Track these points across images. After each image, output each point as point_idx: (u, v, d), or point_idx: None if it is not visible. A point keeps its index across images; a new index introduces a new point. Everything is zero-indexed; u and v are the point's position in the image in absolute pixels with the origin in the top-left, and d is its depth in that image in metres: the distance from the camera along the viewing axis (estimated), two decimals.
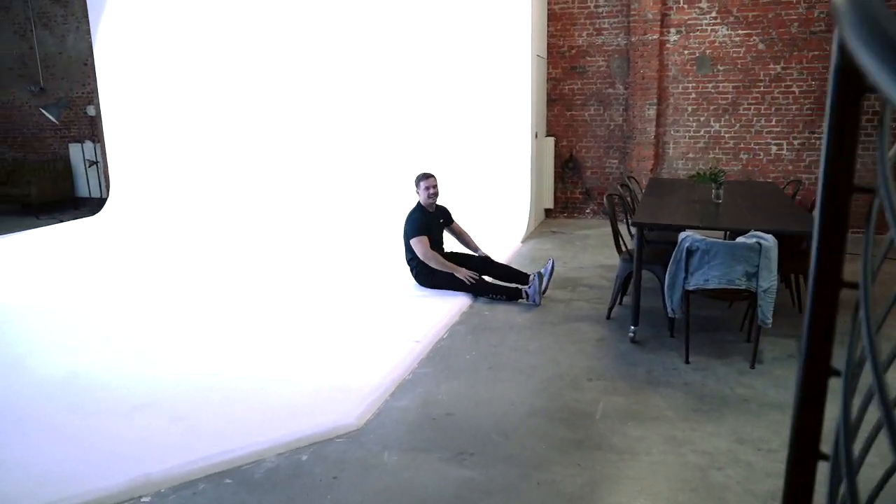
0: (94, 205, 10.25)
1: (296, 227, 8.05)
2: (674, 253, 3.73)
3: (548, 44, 8.18)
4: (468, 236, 5.46)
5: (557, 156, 8.42)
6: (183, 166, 9.20)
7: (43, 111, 9.28)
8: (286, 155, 8.66)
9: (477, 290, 5.01)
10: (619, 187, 5.14)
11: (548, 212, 8.62)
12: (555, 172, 8.45)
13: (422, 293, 5.16)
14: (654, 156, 8.00)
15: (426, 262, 5.06)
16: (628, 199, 5.31)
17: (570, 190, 8.53)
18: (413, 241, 5.09)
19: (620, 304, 4.72)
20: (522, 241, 7.13)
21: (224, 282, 5.72)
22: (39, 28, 10.56)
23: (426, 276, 5.20)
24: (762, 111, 7.63)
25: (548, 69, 8.25)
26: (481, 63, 7.49)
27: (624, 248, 4.59)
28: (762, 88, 7.57)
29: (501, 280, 5.13)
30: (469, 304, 4.92)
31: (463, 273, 5.02)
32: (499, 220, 7.44)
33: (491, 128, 7.58)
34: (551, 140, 8.30)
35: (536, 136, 7.69)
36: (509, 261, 6.29)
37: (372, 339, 4.20)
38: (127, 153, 9.47)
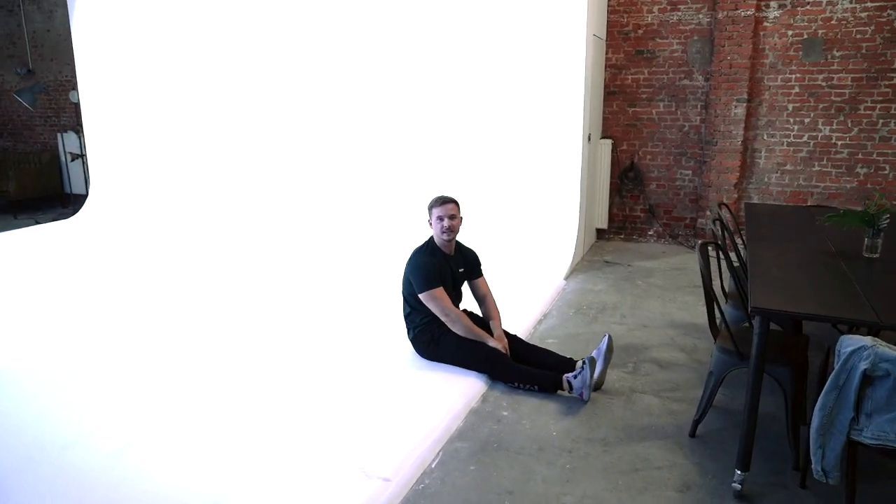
0: (81, 202, 9.04)
1: (283, 249, 6.60)
2: (834, 374, 2.08)
3: (608, 21, 6.48)
4: (492, 303, 3.80)
5: (615, 163, 6.73)
6: (172, 165, 7.85)
7: (16, 96, 8.08)
8: (284, 157, 7.21)
9: (501, 372, 3.43)
10: (712, 224, 3.47)
11: (600, 233, 6.95)
12: (611, 184, 6.76)
13: (417, 369, 3.62)
14: (740, 167, 6.24)
15: (448, 324, 3.54)
16: (724, 235, 3.63)
17: (629, 206, 6.84)
18: (424, 296, 3.54)
19: (711, 404, 3.06)
20: (566, 278, 5.49)
21: (186, 340, 4.30)
22: (27, 2, 9.37)
23: (428, 344, 3.65)
24: (893, 111, 5.78)
25: (607, 54, 6.56)
26: (522, 44, 5.86)
27: (723, 328, 2.94)
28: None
29: (533, 364, 3.52)
30: (482, 394, 3.36)
31: (496, 343, 3.51)
32: (536, 247, 5.81)
33: (532, 127, 5.95)
34: (608, 143, 6.61)
35: (590, 139, 6.04)
36: (547, 308, 4.69)
37: (320, 468, 2.68)
38: (109, 146, 8.19)
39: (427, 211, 3.65)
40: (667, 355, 3.85)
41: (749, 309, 2.31)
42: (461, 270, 3.72)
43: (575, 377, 3.24)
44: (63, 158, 9.08)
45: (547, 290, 5.07)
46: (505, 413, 3.16)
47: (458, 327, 3.53)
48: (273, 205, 7.25)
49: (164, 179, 7.93)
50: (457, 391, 3.32)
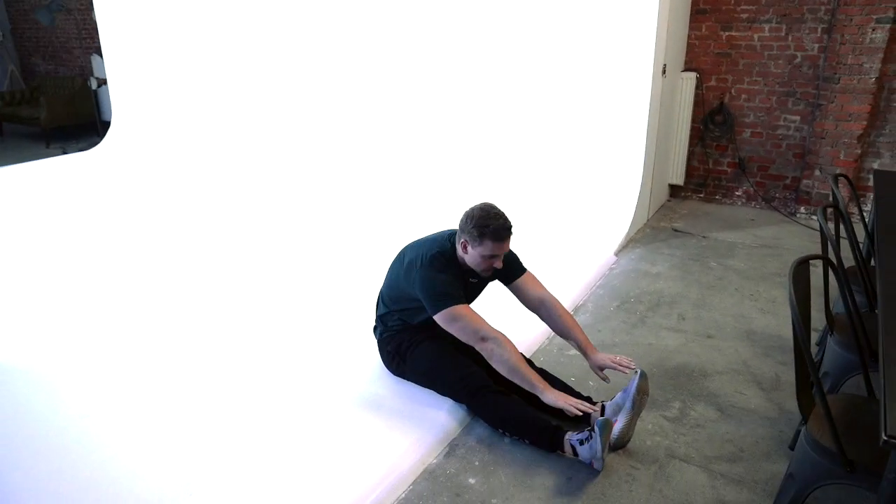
0: None
1: (290, 234, 5.72)
2: None
3: None
4: (556, 304, 2.59)
5: (699, 103, 5.32)
6: (197, 99, 7.05)
7: (35, 16, 7.47)
8: (307, 138, 6.27)
9: (483, 409, 2.41)
10: (821, 217, 2.21)
11: (674, 190, 5.63)
12: (692, 129, 5.38)
13: (378, 388, 2.67)
14: (870, 114, 4.71)
15: (488, 356, 2.35)
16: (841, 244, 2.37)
17: (713, 158, 5.45)
18: (443, 317, 2.38)
19: None
20: (617, 252, 4.32)
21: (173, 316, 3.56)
22: None
23: (392, 356, 2.68)
24: None
25: None
26: None
27: (818, 400, 1.77)
28: None
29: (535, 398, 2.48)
30: (451, 440, 2.38)
31: (562, 400, 2.28)
32: (581, 209, 4.65)
33: (585, 54, 4.67)
34: (691, 78, 5.20)
35: (665, 72, 4.68)
36: (582, 298, 3.59)
37: None
38: (132, 72, 7.48)
39: (466, 229, 2.41)
40: (733, 391, 2.71)
41: (883, 437, 1.18)
42: (473, 280, 2.62)
43: (581, 443, 2.19)
44: (90, 84, 8.47)
45: (587, 270, 3.94)
46: (472, 480, 2.17)
47: (503, 364, 2.32)
48: (293, 180, 6.37)
49: (187, 112, 7.18)
50: (416, 434, 2.36)
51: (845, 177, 2.98)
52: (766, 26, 4.94)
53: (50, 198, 5.74)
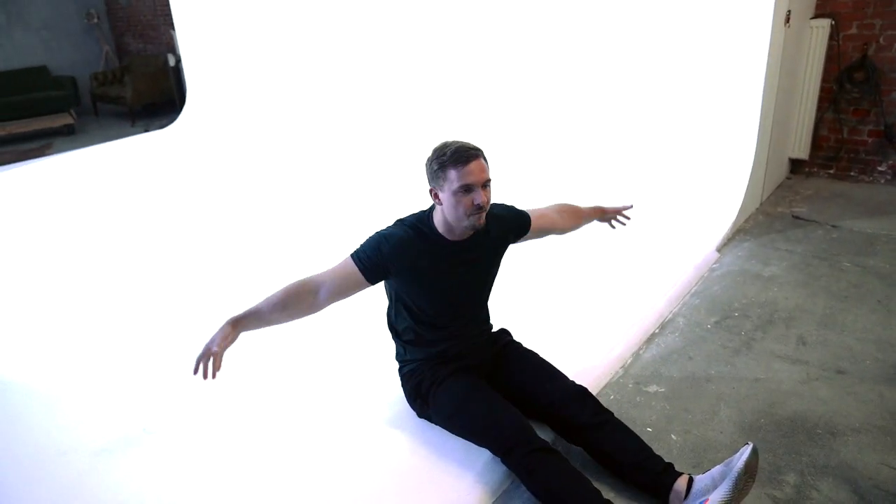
0: None
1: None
2: None
3: None
4: (573, 210, 2.36)
5: (833, 58, 4.30)
6: (271, 80, 6.71)
7: None
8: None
9: (520, 466, 1.81)
10: None
11: (796, 166, 4.66)
12: (822, 90, 4.38)
13: (397, 436, 2.15)
14: None
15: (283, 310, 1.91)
16: None
17: (849, 126, 4.43)
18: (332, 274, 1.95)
19: None
20: (720, 248, 3.52)
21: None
22: None
23: (413, 397, 2.13)
24: None
25: None
26: None
27: None
28: None
29: (599, 453, 1.91)
30: None
31: None
32: (677, 194, 3.87)
33: (671, 7, 3.84)
34: (823, 26, 4.19)
35: (789, 20, 3.76)
36: (669, 311, 2.91)
37: None
38: (205, 49, 7.28)
39: (429, 176, 1.90)
40: (877, 462, 1.96)
41: None
42: (471, 255, 2.02)
43: None
44: (168, 61, 8.41)
45: (680, 271, 3.20)
46: None
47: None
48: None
49: (259, 88, 6.87)
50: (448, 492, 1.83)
51: None
52: None
53: (125, 177, 5.71)
